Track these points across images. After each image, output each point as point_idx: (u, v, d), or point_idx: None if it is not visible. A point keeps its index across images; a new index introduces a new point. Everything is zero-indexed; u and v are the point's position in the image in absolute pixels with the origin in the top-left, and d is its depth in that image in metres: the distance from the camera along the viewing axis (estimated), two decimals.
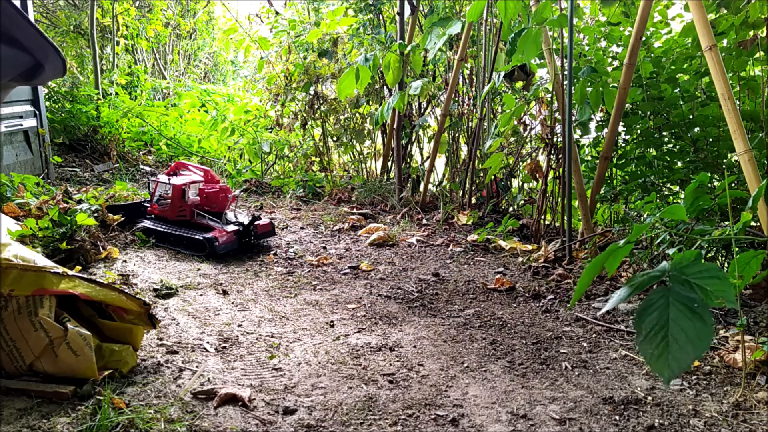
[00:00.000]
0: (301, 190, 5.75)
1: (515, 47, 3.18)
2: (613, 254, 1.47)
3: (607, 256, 1.46)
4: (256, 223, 3.84)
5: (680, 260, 1.30)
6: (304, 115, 6.13)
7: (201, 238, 3.61)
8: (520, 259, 3.78)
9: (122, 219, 3.85)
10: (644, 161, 3.94)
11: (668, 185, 4.03)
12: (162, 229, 3.75)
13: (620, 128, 3.94)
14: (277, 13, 6.33)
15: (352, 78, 4.05)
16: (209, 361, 2.24)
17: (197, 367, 2.19)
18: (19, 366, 1.94)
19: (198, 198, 3.90)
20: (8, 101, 5.01)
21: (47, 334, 1.91)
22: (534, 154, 4.99)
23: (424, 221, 4.82)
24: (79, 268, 3.07)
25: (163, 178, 3.96)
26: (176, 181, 3.87)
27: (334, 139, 6.43)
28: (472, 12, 3.26)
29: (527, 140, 4.93)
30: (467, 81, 5.32)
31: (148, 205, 4.04)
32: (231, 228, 3.74)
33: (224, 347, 2.39)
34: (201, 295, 3.01)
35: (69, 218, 3.31)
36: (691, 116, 3.65)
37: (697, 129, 3.68)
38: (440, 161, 5.91)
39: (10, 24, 1.40)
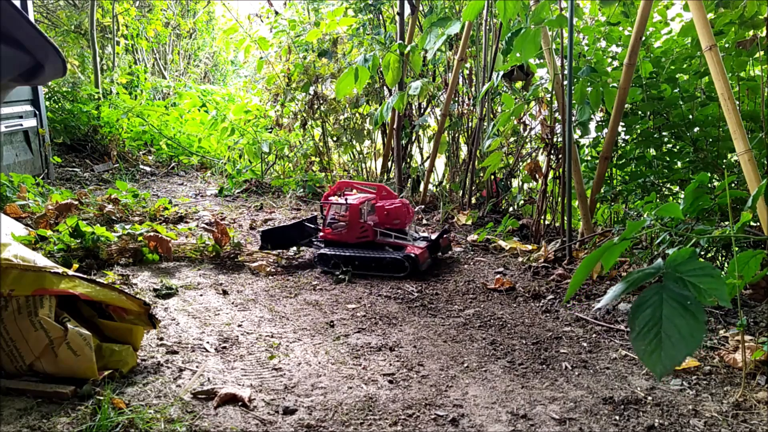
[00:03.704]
0: (301, 190, 5.76)
1: (511, 47, 3.17)
2: (609, 250, 1.47)
3: (602, 252, 1.47)
4: (444, 236, 3.66)
5: (675, 258, 1.30)
6: (304, 115, 6.13)
7: (401, 257, 3.35)
8: (520, 259, 3.78)
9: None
10: (644, 161, 3.94)
11: (668, 185, 4.03)
12: (344, 254, 3.42)
13: (620, 128, 3.93)
14: (276, 13, 6.33)
15: (351, 78, 4.05)
16: (209, 361, 2.24)
17: (197, 367, 2.19)
18: (19, 366, 1.94)
19: (375, 216, 3.62)
20: (8, 101, 5.01)
21: (47, 334, 1.91)
22: (534, 154, 4.99)
23: (424, 221, 4.82)
24: (76, 266, 3.07)
25: (335, 199, 3.63)
26: (353, 200, 3.55)
27: (334, 139, 6.43)
28: (468, 12, 3.26)
29: (527, 140, 4.93)
30: (467, 81, 5.32)
31: (310, 225, 3.77)
32: (422, 243, 3.50)
33: (224, 347, 2.39)
34: (201, 295, 3.01)
35: (89, 230, 3.29)
36: (690, 116, 3.65)
37: (697, 129, 3.68)
38: (440, 161, 5.91)
39: (10, 24, 1.40)
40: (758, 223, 2.72)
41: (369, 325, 2.69)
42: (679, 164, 3.89)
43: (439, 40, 3.95)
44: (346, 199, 3.55)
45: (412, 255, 3.34)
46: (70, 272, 2.05)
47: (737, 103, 2.88)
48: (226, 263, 3.55)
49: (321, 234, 3.64)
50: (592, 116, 3.76)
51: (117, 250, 3.35)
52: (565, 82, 3.50)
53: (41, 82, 1.76)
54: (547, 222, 4.25)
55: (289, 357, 2.32)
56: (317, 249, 3.58)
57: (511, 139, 5.03)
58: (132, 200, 4.45)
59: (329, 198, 3.67)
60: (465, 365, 2.28)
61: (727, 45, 3.53)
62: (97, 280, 2.11)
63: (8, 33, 1.41)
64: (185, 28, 11.10)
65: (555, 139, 3.92)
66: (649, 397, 2.02)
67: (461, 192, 5.23)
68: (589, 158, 4.40)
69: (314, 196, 5.66)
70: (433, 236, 3.63)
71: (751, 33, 3.39)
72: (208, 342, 2.42)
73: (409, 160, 5.91)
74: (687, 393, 2.06)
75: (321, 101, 6.08)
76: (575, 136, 3.83)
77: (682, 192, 3.50)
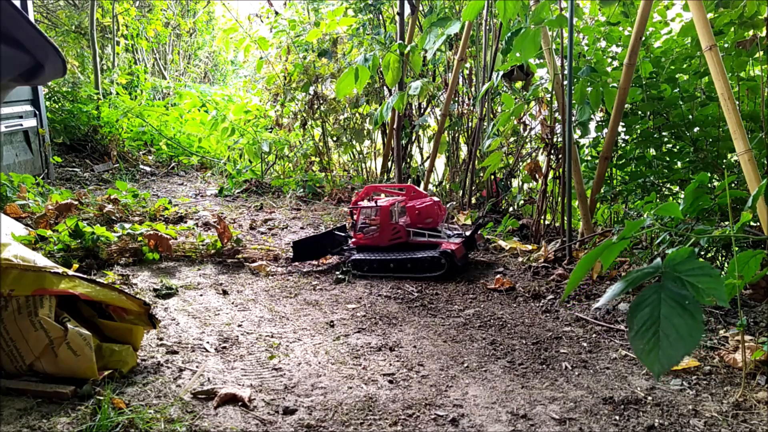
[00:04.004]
0: (301, 190, 5.76)
1: (511, 46, 3.17)
2: (608, 249, 1.47)
3: (601, 251, 1.47)
4: (479, 233, 3.55)
5: (674, 257, 1.30)
6: (304, 115, 6.13)
7: (437, 254, 3.29)
8: (520, 259, 3.78)
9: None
10: (644, 161, 3.94)
11: (668, 185, 4.03)
12: (379, 257, 3.39)
13: (620, 128, 3.93)
14: (276, 13, 6.33)
15: (351, 78, 4.05)
16: (209, 361, 2.24)
17: (197, 367, 2.19)
18: (19, 366, 1.94)
19: (407, 217, 3.55)
20: (8, 101, 5.01)
21: (47, 334, 1.91)
22: (534, 154, 4.99)
23: None
24: (76, 266, 3.07)
25: (365, 203, 3.57)
26: (382, 202, 3.49)
27: (334, 139, 6.43)
28: (468, 12, 3.26)
29: (527, 140, 4.93)
30: (466, 81, 5.32)
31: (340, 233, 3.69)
32: (457, 240, 3.43)
33: (224, 347, 2.39)
34: (201, 295, 3.01)
35: (89, 230, 3.29)
36: (690, 116, 3.66)
37: (697, 129, 3.68)
38: (440, 161, 5.91)
39: (10, 24, 1.40)
40: (758, 223, 2.72)
41: (369, 325, 2.69)
42: (679, 164, 3.89)
43: (438, 40, 3.95)
44: (375, 202, 3.50)
45: (448, 251, 3.28)
46: (70, 272, 2.05)
47: (737, 103, 2.88)
48: (227, 263, 3.55)
49: (352, 240, 3.58)
50: (592, 116, 3.76)
51: (117, 250, 3.35)
52: (565, 82, 3.50)
53: (41, 82, 1.76)
54: (547, 222, 4.25)
55: (289, 357, 2.32)
56: (349, 256, 3.53)
57: (511, 139, 5.03)
58: (132, 200, 4.45)
59: (358, 203, 3.61)
60: (465, 365, 2.28)
61: (726, 45, 3.53)
62: (97, 280, 2.11)
63: (8, 33, 1.41)
64: (185, 28, 11.10)
65: (555, 139, 3.92)
66: (649, 397, 2.02)
67: (461, 192, 5.23)
68: (589, 158, 4.40)
69: (314, 196, 5.67)
70: (467, 233, 3.56)
71: (750, 33, 3.39)
72: (208, 342, 2.42)
73: (409, 160, 5.91)
74: (687, 393, 2.06)
75: (321, 101, 6.08)
76: (575, 136, 3.83)
77: (682, 192, 3.50)
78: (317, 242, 3.63)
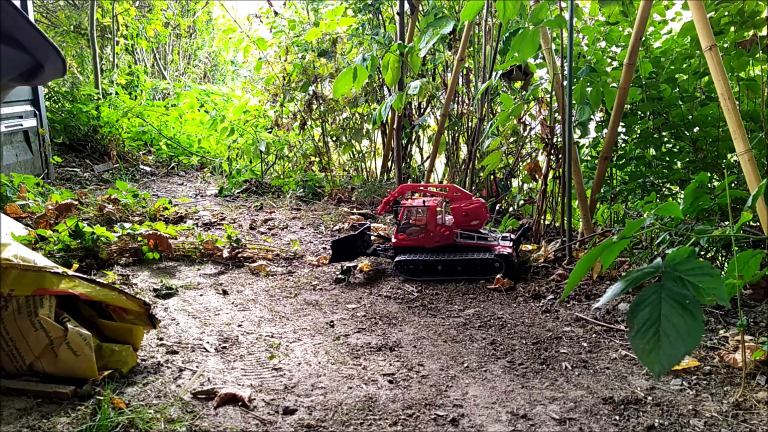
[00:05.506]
0: (301, 190, 5.75)
1: (509, 46, 3.17)
2: (608, 249, 1.47)
3: (601, 251, 1.47)
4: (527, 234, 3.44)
5: (674, 257, 1.30)
6: (303, 115, 6.13)
7: (492, 257, 3.19)
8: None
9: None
10: (644, 161, 3.94)
11: (668, 185, 4.03)
12: (424, 258, 3.28)
13: (620, 128, 3.93)
14: (276, 13, 6.33)
15: (349, 78, 4.05)
16: (209, 361, 2.24)
17: (197, 367, 2.19)
18: (19, 366, 1.94)
19: (451, 217, 3.44)
20: (8, 101, 5.01)
21: (47, 334, 1.91)
22: (534, 154, 4.99)
23: None
24: (76, 266, 3.07)
25: (413, 203, 3.44)
26: (430, 201, 3.36)
27: (334, 138, 6.43)
28: (467, 12, 3.25)
29: (527, 140, 4.93)
30: (465, 81, 5.32)
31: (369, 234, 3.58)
32: (506, 243, 3.35)
33: (224, 347, 2.39)
34: (201, 295, 3.01)
35: (89, 230, 3.29)
36: (690, 116, 3.65)
37: (697, 129, 3.68)
38: (440, 161, 5.91)
39: (10, 24, 1.41)
40: (758, 223, 2.72)
41: (369, 325, 2.69)
42: (679, 164, 3.89)
43: (432, 39, 3.95)
44: (423, 202, 3.39)
45: (505, 254, 3.20)
46: (70, 272, 2.05)
47: (737, 103, 2.87)
48: (227, 263, 3.55)
49: (393, 241, 3.47)
50: (592, 116, 3.76)
51: (117, 250, 3.35)
52: (565, 82, 3.50)
53: (41, 82, 1.76)
54: (547, 222, 4.25)
55: (289, 357, 2.32)
56: (389, 257, 3.44)
57: (511, 140, 5.03)
58: (132, 200, 4.45)
59: (389, 203, 3.51)
60: (465, 365, 2.28)
61: (726, 45, 3.52)
62: (97, 280, 2.11)
63: (8, 33, 1.41)
64: (184, 28, 11.10)
65: (555, 139, 3.92)
66: (649, 397, 2.02)
67: None
68: (589, 158, 4.40)
69: (314, 196, 5.66)
70: (514, 235, 3.47)
71: (750, 33, 3.39)
72: (208, 342, 2.42)
73: (409, 160, 5.91)
74: (687, 393, 2.06)
75: (320, 101, 6.08)
76: (575, 136, 3.83)
77: (682, 192, 3.49)
78: (353, 242, 3.52)
